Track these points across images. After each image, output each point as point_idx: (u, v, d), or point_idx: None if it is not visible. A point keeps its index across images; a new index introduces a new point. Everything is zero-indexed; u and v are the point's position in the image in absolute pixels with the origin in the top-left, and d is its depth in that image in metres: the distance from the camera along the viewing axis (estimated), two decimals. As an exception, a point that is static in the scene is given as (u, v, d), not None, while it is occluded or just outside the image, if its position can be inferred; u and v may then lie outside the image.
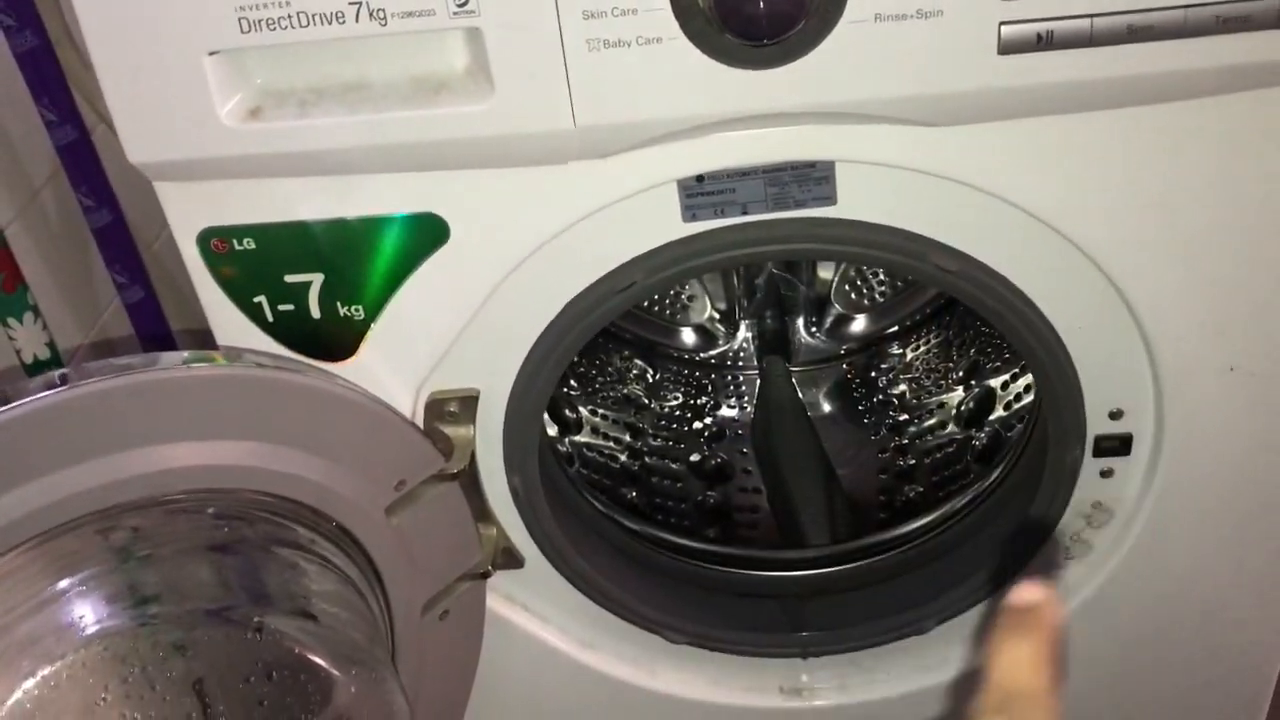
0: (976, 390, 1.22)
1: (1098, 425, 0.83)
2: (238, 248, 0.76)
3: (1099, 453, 0.84)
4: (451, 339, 0.79)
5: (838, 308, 1.33)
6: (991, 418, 1.17)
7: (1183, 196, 0.72)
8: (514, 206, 0.73)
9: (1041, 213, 0.73)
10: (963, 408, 1.22)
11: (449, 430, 0.83)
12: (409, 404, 0.82)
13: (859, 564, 1.02)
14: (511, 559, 0.92)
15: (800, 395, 1.27)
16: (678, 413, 1.31)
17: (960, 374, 1.25)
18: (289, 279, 0.77)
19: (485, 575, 0.89)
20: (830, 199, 0.73)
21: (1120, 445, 0.84)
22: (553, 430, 1.17)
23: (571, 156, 0.70)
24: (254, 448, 0.72)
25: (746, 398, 1.32)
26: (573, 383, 1.24)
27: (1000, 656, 0.37)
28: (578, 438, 1.21)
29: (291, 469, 0.73)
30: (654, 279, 0.77)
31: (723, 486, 1.24)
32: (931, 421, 1.25)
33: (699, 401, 1.32)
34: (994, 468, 1.02)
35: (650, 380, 1.33)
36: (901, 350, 1.33)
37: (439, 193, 0.72)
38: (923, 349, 1.32)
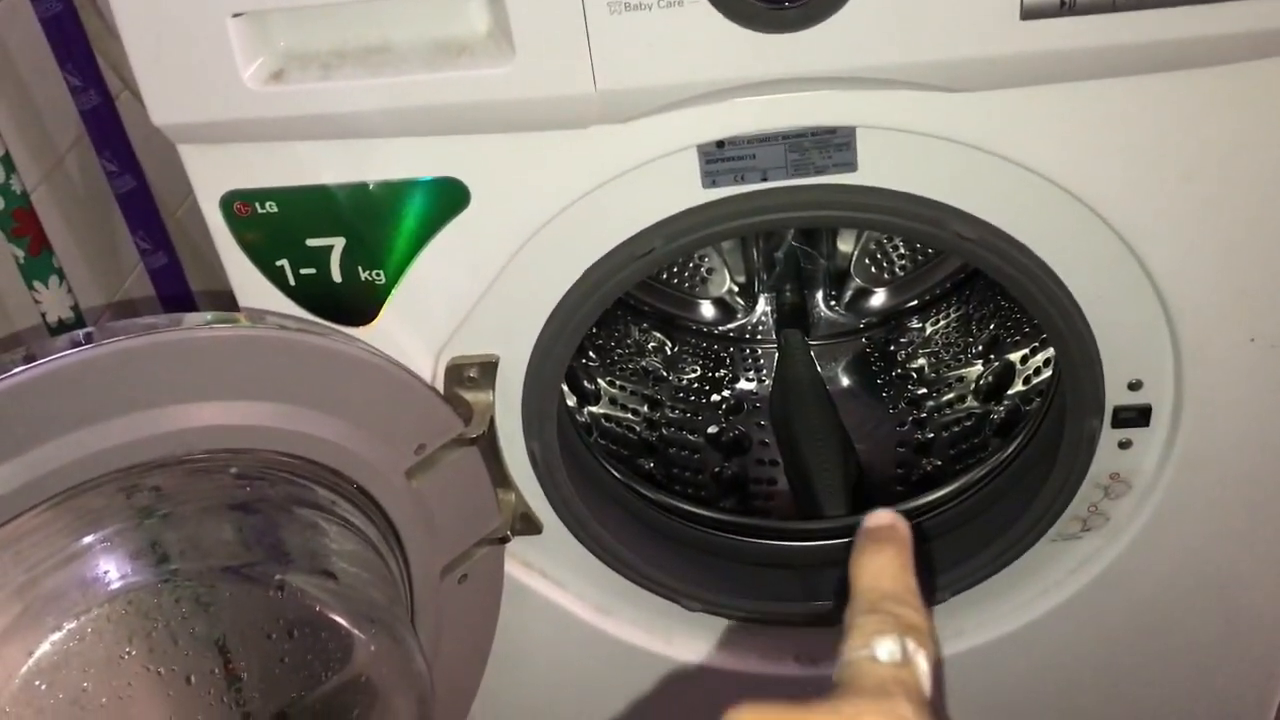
0: (996, 364, 1.21)
1: (1116, 396, 0.83)
2: (260, 211, 0.76)
3: (1117, 424, 0.84)
4: (471, 304, 0.79)
5: (857, 281, 1.32)
6: (1010, 392, 1.16)
7: (1206, 164, 0.71)
8: (534, 171, 0.72)
9: (1062, 180, 0.72)
10: (981, 382, 1.22)
11: (468, 395, 0.84)
12: (429, 369, 0.83)
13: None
14: (530, 525, 0.92)
15: (819, 369, 1.26)
16: (695, 385, 1.31)
17: (980, 348, 1.25)
18: (311, 243, 0.77)
19: (504, 540, 0.89)
20: (851, 165, 0.73)
21: (1139, 416, 0.83)
22: (571, 401, 1.17)
23: (592, 121, 0.69)
24: (275, 409, 0.72)
25: (765, 371, 1.31)
26: (591, 354, 1.25)
27: (863, 568, 0.39)
28: (596, 409, 1.22)
29: (312, 430, 0.74)
30: (673, 245, 0.76)
31: (740, 458, 1.24)
32: (950, 395, 1.25)
33: (717, 374, 1.32)
34: (1012, 440, 1.02)
35: (669, 353, 1.33)
36: (921, 324, 1.33)
37: (459, 157, 0.72)
38: (942, 323, 1.32)
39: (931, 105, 0.69)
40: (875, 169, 0.73)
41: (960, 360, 1.26)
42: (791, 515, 1.10)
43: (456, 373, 0.83)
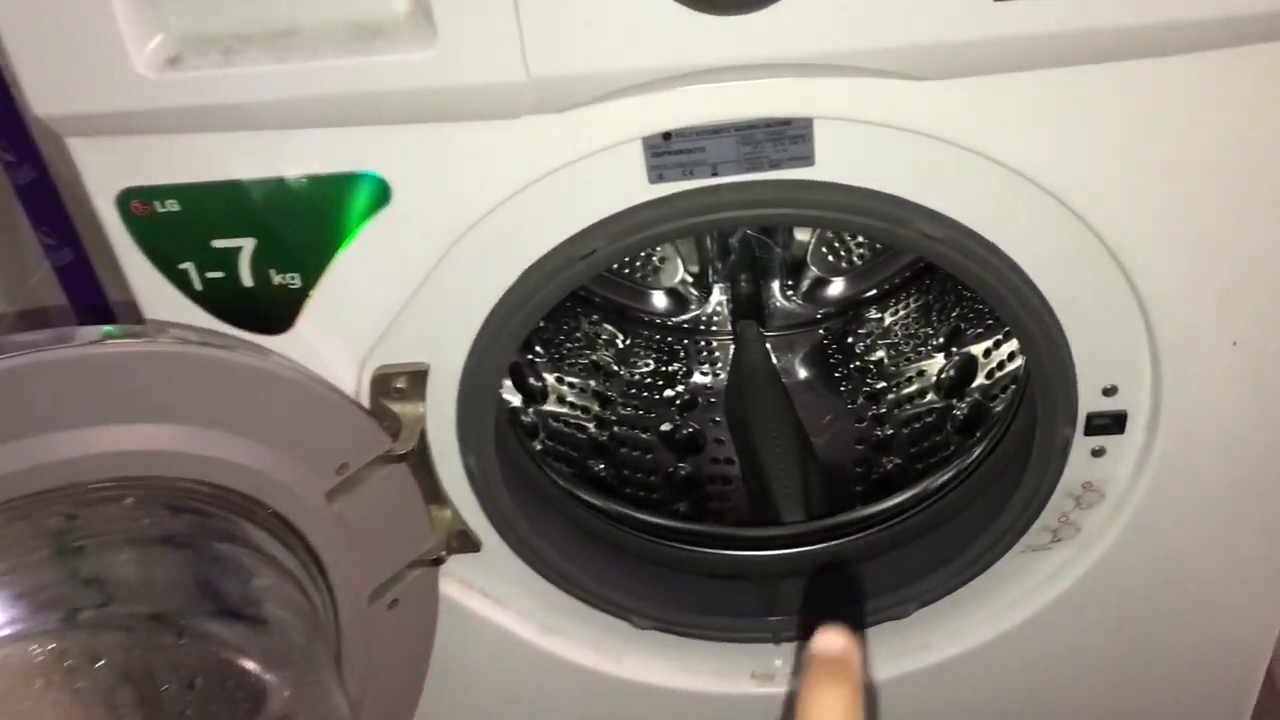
0: (957, 358, 1.17)
1: (1090, 402, 0.78)
2: (160, 210, 0.70)
3: (1091, 431, 0.80)
4: (398, 309, 0.74)
5: (814, 270, 1.28)
6: (973, 386, 1.13)
7: (1189, 158, 0.67)
8: (462, 165, 0.67)
9: (1035, 175, 0.68)
10: (943, 375, 1.18)
11: (396, 408, 0.78)
12: (352, 380, 0.77)
13: (835, 543, 0.97)
14: (467, 542, 0.87)
15: (775, 361, 1.22)
16: (648, 380, 1.26)
17: (940, 340, 1.21)
18: (217, 244, 0.71)
19: (438, 561, 0.83)
20: (808, 159, 0.68)
21: (1113, 423, 0.79)
22: (516, 400, 1.12)
23: (525, 111, 0.64)
24: (177, 431, 0.66)
25: (720, 364, 1.27)
26: (538, 349, 1.19)
27: (813, 706, 0.36)
28: (543, 407, 1.17)
29: (220, 454, 0.67)
30: (617, 245, 0.71)
31: (694, 458, 1.20)
32: (910, 389, 1.21)
33: (670, 368, 1.27)
34: (977, 443, 0.98)
35: (620, 346, 1.28)
36: (880, 315, 1.29)
37: (379, 150, 0.67)
38: (902, 313, 1.28)
39: (895, 95, 0.64)
40: (834, 163, 0.68)
41: (920, 353, 1.23)
42: (748, 520, 1.06)
43: (383, 383, 0.77)
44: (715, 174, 0.69)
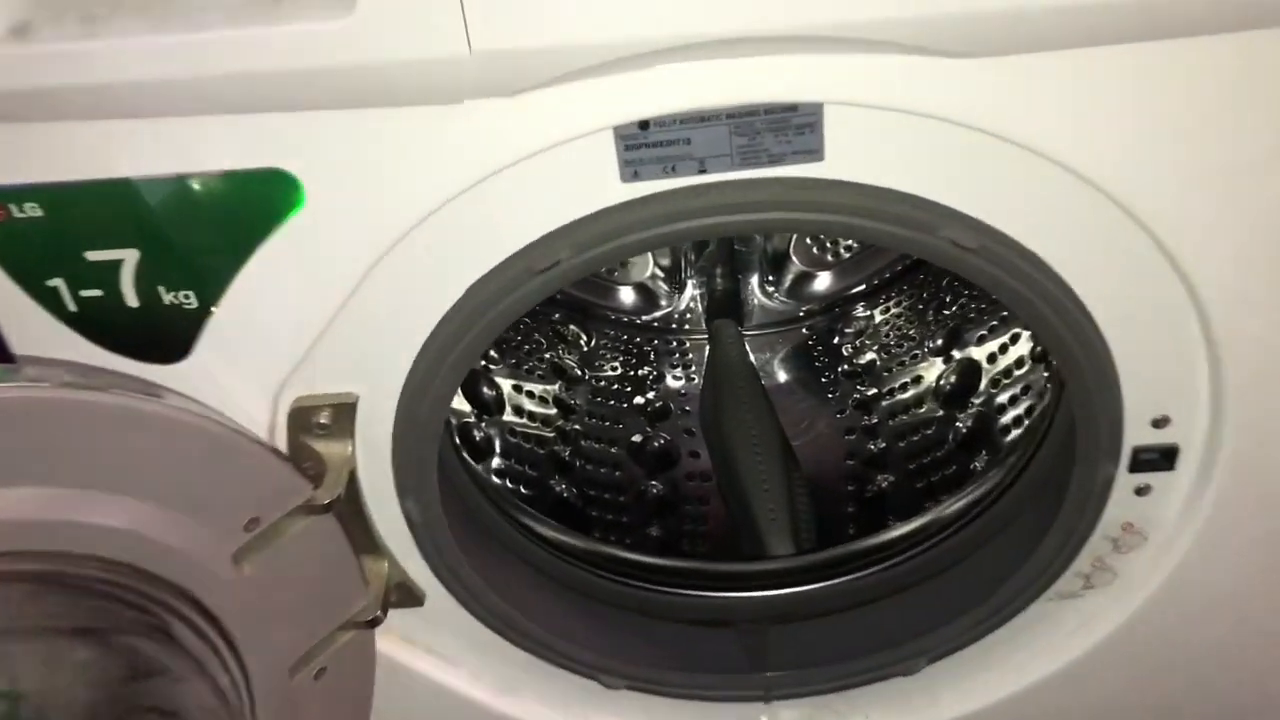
0: (957, 363, 1.09)
1: (1137, 434, 0.70)
2: (19, 215, 0.59)
3: (1136, 467, 0.71)
4: (318, 331, 0.64)
5: (797, 264, 1.20)
6: (977, 398, 1.04)
7: (1262, 148, 0.58)
8: (390, 161, 0.58)
9: (1088, 171, 0.58)
10: (942, 383, 1.10)
11: (320, 447, 0.68)
12: (265, 416, 0.67)
13: (831, 583, 0.88)
14: (409, 596, 0.77)
15: (754, 364, 1.14)
16: (615, 386, 1.18)
17: (938, 343, 1.13)
18: (92, 256, 0.61)
19: (374, 623, 0.72)
20: (816, 153, 0.58)
21: (1162, 458, 0.71)
22: (467, 408, 1.03)
23: (467, 94, 0.55)
24: (42, 495, 0.56)
25: (694, 367, 1.20)
26: (492, 352, 1.10)
27: None
28: (500, 418, 1.07)
29: (98, 519, 0.57)
30: (585, 257, 0.61)
31: (668, 474, 1.12)
32: (905, 397, 1.13)
33: (640, 372, 1.20)
34: (994, 469, 0.88)
35: (585, 348, 1.20)
36: (869, 312, 1.22)
37: (286, 142, 0.57)
38: (894, 311, 1.21)
39: (920, 75, 0.56)
40: (847, 158, 0.59)
41: (916, 356, 1.14)
42: (729, 552, 0.96)
43: (302, 419, 0.67)
44: (703, 171, 0.59)
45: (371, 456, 0.69)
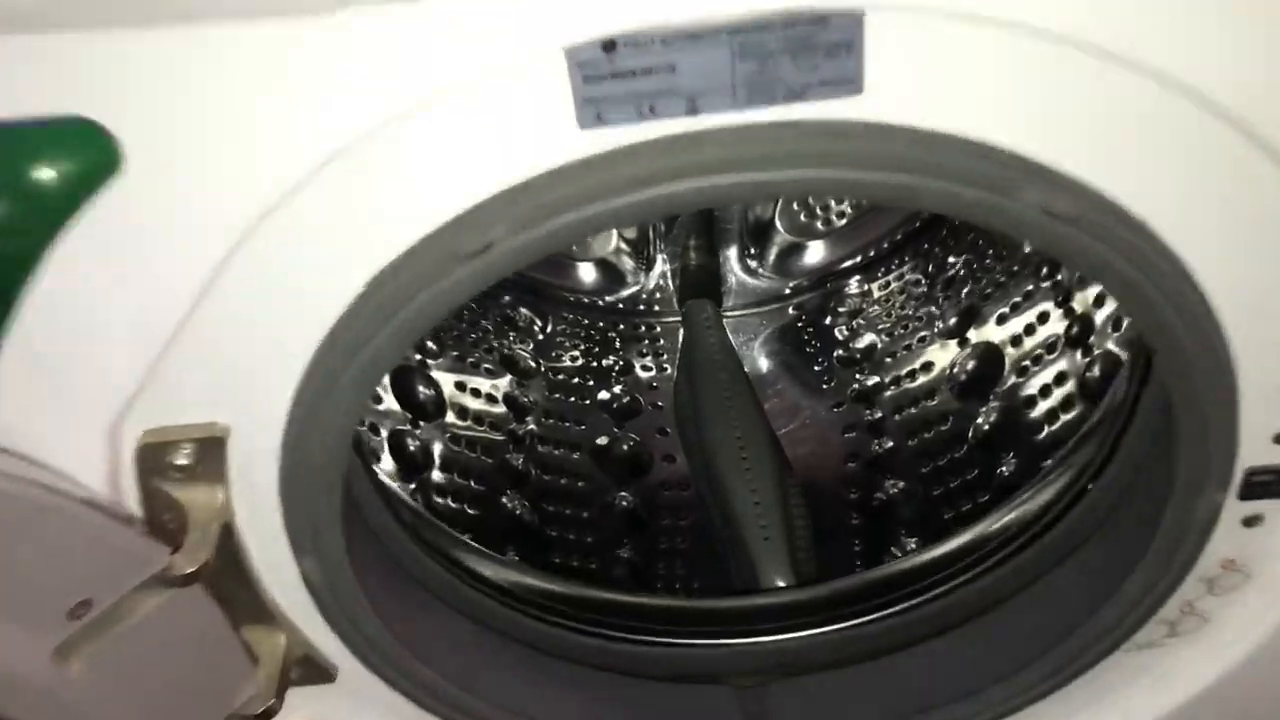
0: (974, 346, 0.97)
1: (1254, 454, 0.55)
2: None
3: (1248, 493, 0.57)
4: (160, 344, 0.48)
5: (783, 233, 1.10)
6: (1000, 388, 0.92)
7: None
8: (242, 104, 0.42)
9: (1233, 107, 0.44)
10: (957, 370, 0.98)
11: (181, 495, 0.52)
12: (101, 460, 0.50)
13: (847, 625, 0.73)
14: (316, 671, 0.63)
15: (734, 349, 1.04)
16: (575, 379, 1.07)
17: (951, 322, 1.01)
18: None
19: (267, 714, 0.56)
20: (853, 84, 0.43)
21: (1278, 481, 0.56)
22: (397, 407, 0.90)
23: None
24: None
25: (665, 355, 1.08)
26: (429, 344, 0.98)
27: None
28: (445, 419, 0.95)
29: None
30: (525, 237, 0.45)
31: (639, 482, 0.99)
32: (913, 386, 1.01)
33: (604, 362, 1.09)
34: (1037, 479, 0.74)
35: (539, 335, 1.09)
36: (866, 287, 1.11)
37: (90, 79, 0.42)
38: (894, 286, 1.10)
39: None
40: (894, 92, 0.44)
41: (924, 339, 1.03)
42: (714, 573, 0.83)
43: (154, 458, 0.51)
44: (694, 112, 0.44)
45: (255, 500, 0.53)
